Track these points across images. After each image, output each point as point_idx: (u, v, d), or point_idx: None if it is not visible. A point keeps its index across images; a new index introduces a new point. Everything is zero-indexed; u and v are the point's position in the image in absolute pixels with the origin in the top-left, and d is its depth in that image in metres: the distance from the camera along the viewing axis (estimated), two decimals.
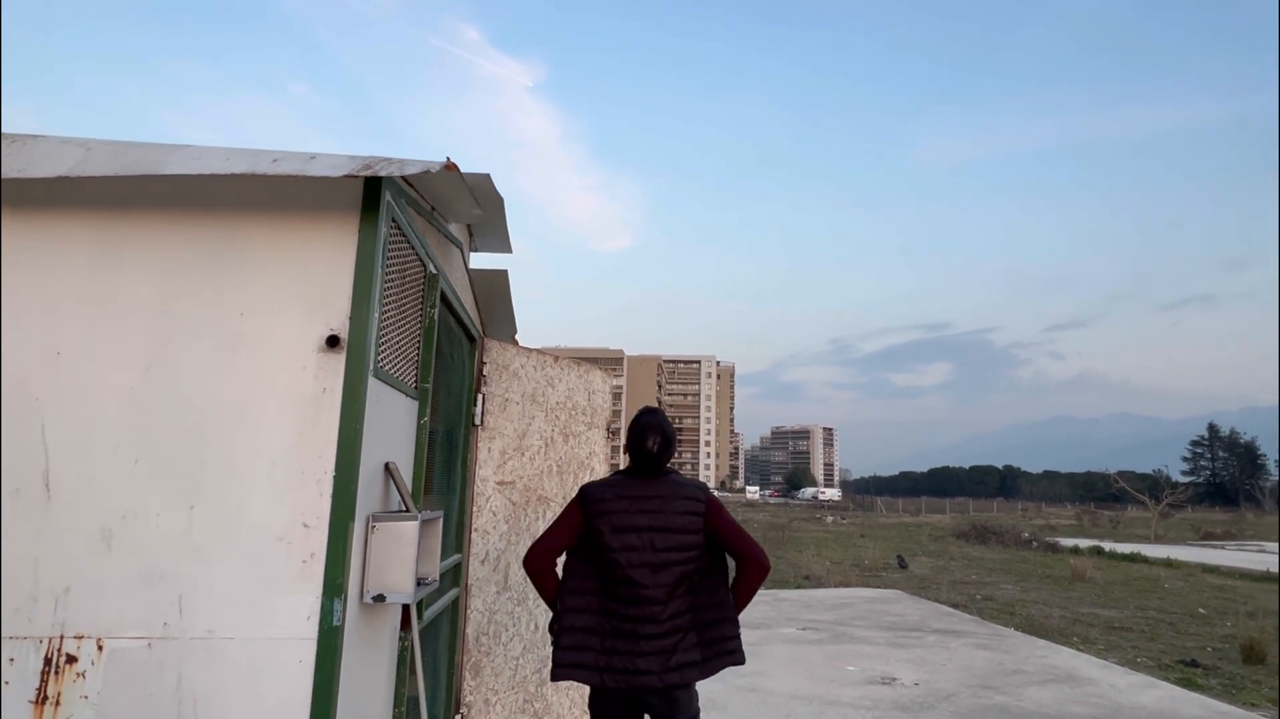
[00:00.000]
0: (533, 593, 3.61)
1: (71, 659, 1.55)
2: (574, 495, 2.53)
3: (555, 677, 2.37)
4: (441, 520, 2.12)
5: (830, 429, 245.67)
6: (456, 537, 3.27)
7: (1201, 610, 11.34)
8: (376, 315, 1.80)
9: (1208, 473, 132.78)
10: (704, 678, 2.46)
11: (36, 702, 1.53)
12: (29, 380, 1.65)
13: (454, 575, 3.21)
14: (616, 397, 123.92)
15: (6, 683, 1.53)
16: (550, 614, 2.48)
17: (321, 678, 1.58)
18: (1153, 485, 39.42)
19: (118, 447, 1.64)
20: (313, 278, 1.75)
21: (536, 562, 2.42)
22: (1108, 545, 22.33)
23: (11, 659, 1.54)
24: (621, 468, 2.63)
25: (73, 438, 1.64)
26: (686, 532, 2.45)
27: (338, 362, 1.71)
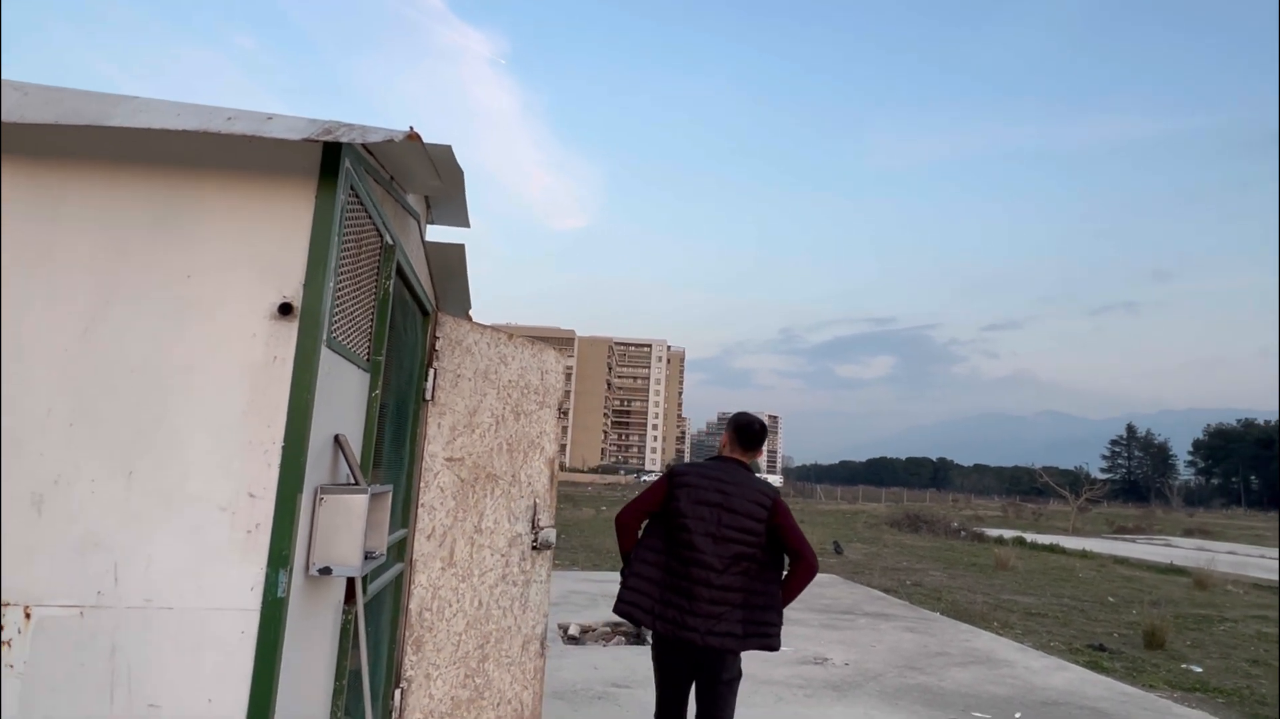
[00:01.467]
0: (478, 570, 3.60)
1: None
2: (662, 474, 3.13)
3: (616, 610, 2.95)
4: (390, 495, 2.10)
5: (775, 416, 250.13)
6: (403, 512, 3.24)
7: (1110, 599, 12.07)
8: (332, 284, 1.76)
9: (1124, 470, 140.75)
10: (739, 650, 2.84)
11: None
12: None
13: (399, 550, 3.19)
14: (567, 377, 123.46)
15: None
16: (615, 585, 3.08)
17: (264, 649, 1.56)
18: (1074, 481, 41.55)
19: (51, 409, 1.57)
20: (266, 243, 1.70)
21: (625, 518, 3.01)
22: (1030, 537, 23.49)
23: None
24: (729, 454, 3.15)
25: (6, 397, 1.56)
26: (751, 518, 2.83)
27: (290, 330, 1.67)
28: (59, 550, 1.53)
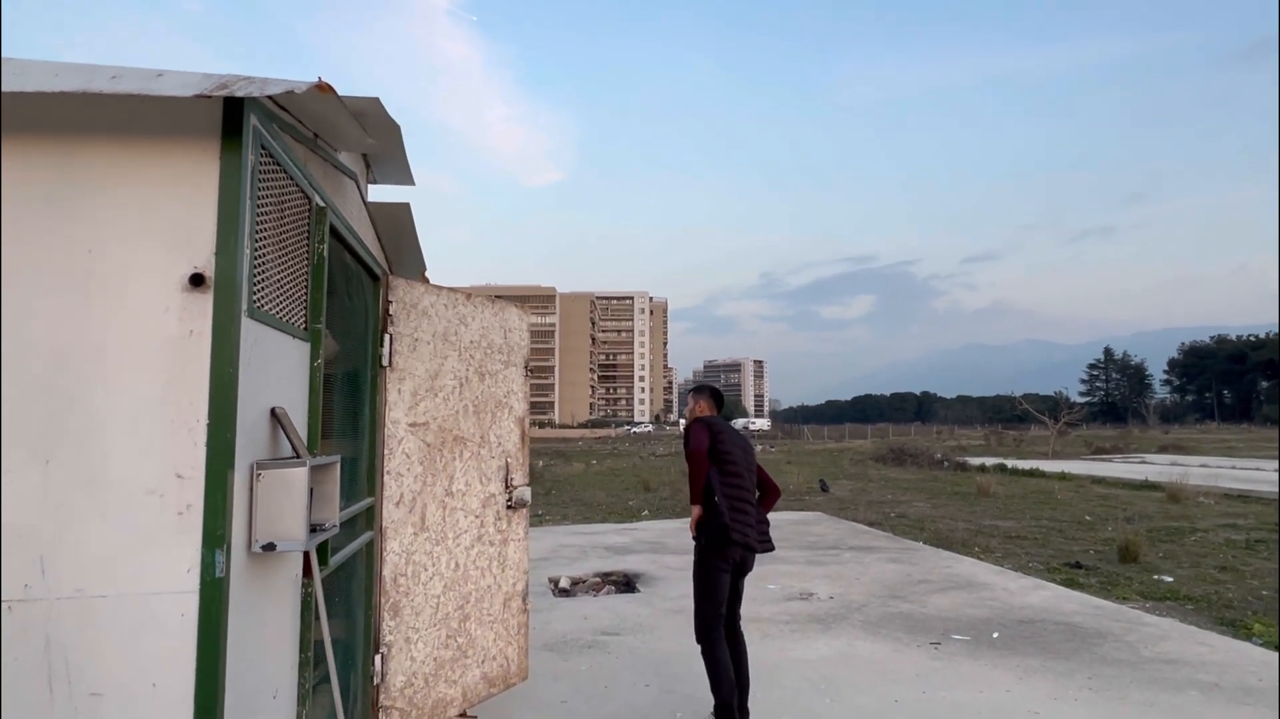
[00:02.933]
0: (452, 533, 3.59)
1: None
2: (691, 426, 3.91)
3: (731, 538, 3.69)
4: (338, 465, 2.05)
5: (760, 361, 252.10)
6: (368, 480, 3.20)
7: (1088, 518, 12.43)
8: (248, 251, 1.67)
9: (1102, 393, 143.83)
10: (763, 552, 3.88)
11: None
12: None
13: (367, 518, 3.16)
14: (549, 334, 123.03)
15: None
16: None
17: (206, 629, 1.53)
18: (1053, 406, 42.40)
19: None
20: (170, 211, 1.60)
21: (706, 457, 3.76)
22: (1011, 463, 24.06)
23: None
24: (708, 414, 4.10)
25: None
26: (749, 455, 3.95)
27: (204, 302, 1.59)
28: None
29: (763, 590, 7.22)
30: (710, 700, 4.38)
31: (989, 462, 24.35)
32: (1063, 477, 19.82)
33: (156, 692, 1.50)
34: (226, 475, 1.57)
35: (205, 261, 1.60)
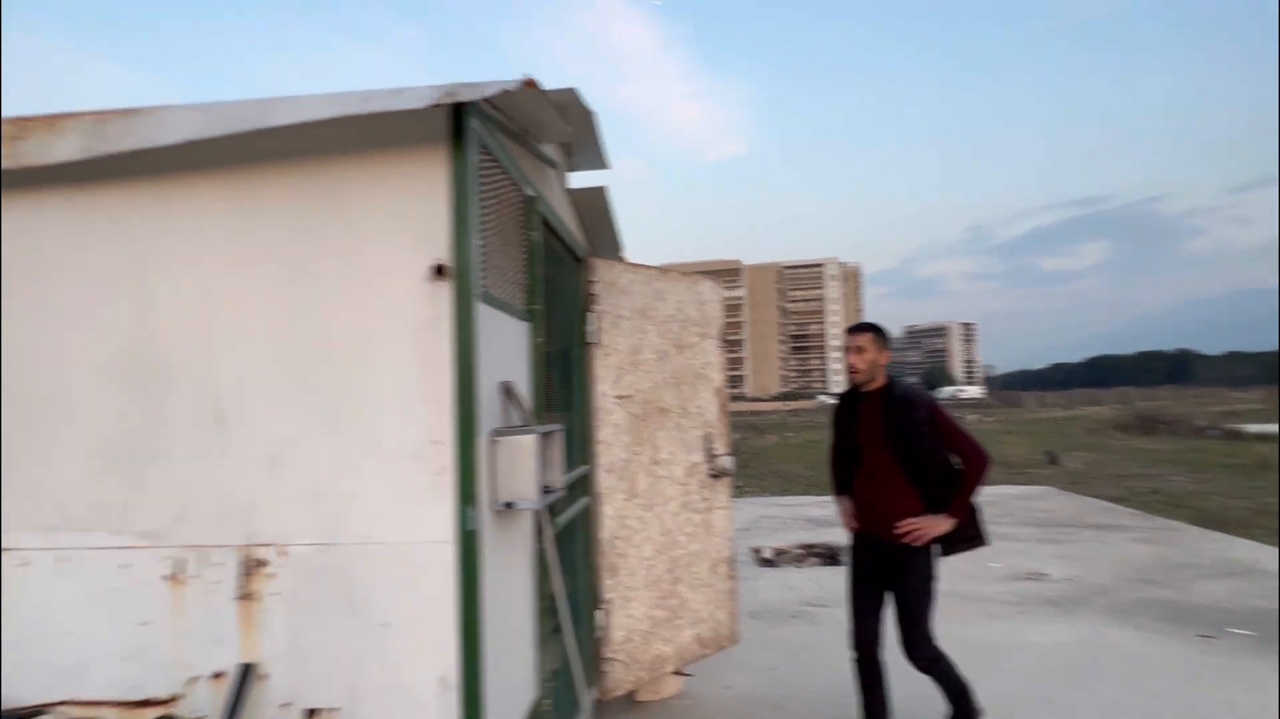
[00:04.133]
0: (659, 499, 3.76)
1: (261, 563, 1.81)
2: (924, 397, 3.17)
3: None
4: (561, 433, 2.23)
5: (969, 324, 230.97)
6: (583, 449, 3.44)
7: None
8: (476, 242, 1.86)
9: None
10: None
11: (240, 597, 1.81)
12: (192, 329, 1.87)
13: (584, 485, 3.40)
14: (737, 307, 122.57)
15: (216, 583, 1.82)
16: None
17: (465, 575, 1.75)
18: None
19: (271, 382, 1.84)
20: (415, 211, 1.83)
21: None
22: None
23: (217, 563, 1.82)
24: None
25: (234, 376, 1.85)
26: None
27: (445, 290, 1.80)
28: (296, 499, 1.81)
29: (983, 569, 6.70)
30: (929, 682, 4.17)
31: (1273, 429, 20.29)
32: None
33: (430, 625, 1.76)
34: (473, 442, 1.78)
35: (444, 253, 1.81)
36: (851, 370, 3.12)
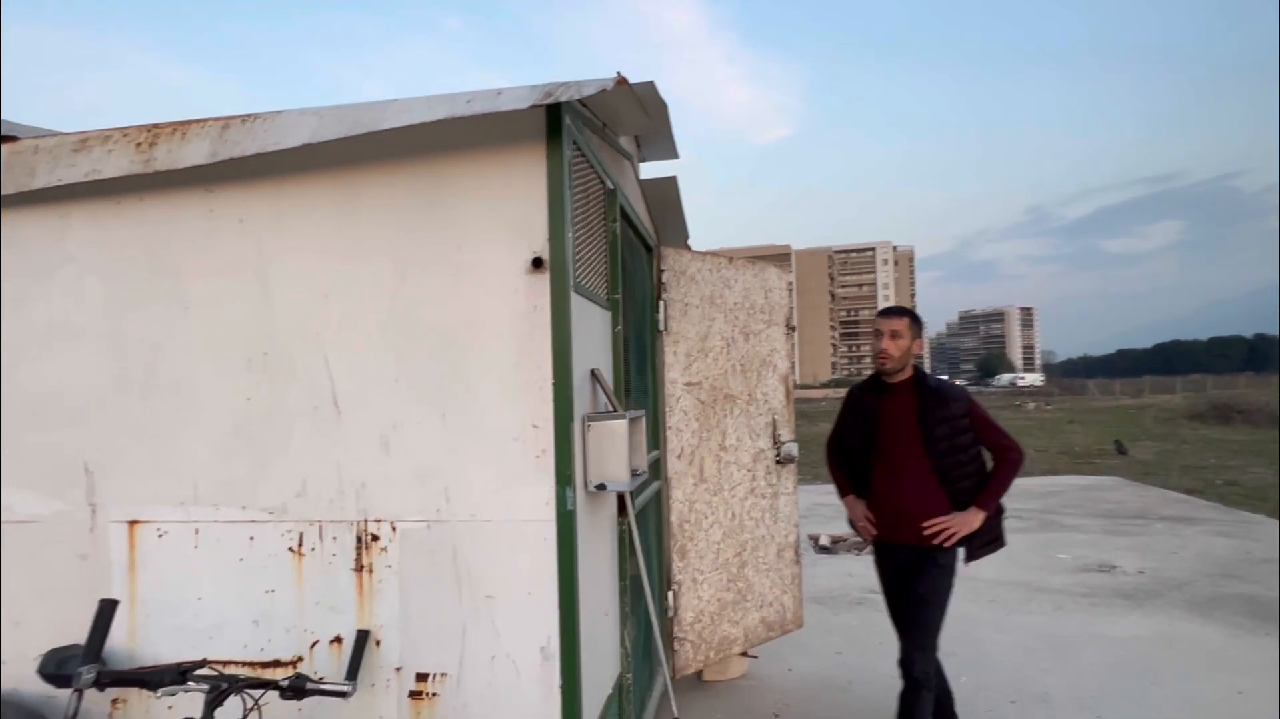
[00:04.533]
0: (727, 484, 3.82)
1: (375, 538, 1.95)
2: (956, 390, 3.01)
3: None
4: (643, 419, 2.31)
5: (1029, 309, 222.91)
6: (653, 434, 3.52)
7: None
8: (570, 235, 1.94)
9: None
10: None
11: (356, 569, 1.95)
12: (309, 320, 2.01)
13: (655, 470, 3.49)
14: (789, 293, 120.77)
15: (333, 555, 1.97)
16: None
17: (564, 552, 1.85)
18: None
19: (381, 369, 1.97)
20: (513, 206, 1.92)
21: None
22: None
23: (334, 538, 1.97)
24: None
25: (348, 364, 1.98)
26: None
27: (543, 281, 1.89)
28: (405, 478, 1.94)
29: (1051, 559, 6.57)
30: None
31: None
32: None
33: (531, 598, 1.87)
34: (570, 426, 1.87)
35: (541, 247, 1.90)
36: (881, 357, 2.87)
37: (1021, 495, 10.20)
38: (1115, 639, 4.56)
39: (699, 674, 3.94)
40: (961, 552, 2.90)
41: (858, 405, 3.06)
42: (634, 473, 2.18)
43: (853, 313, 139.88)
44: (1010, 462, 2.83)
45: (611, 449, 2.01)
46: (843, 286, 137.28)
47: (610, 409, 2.19)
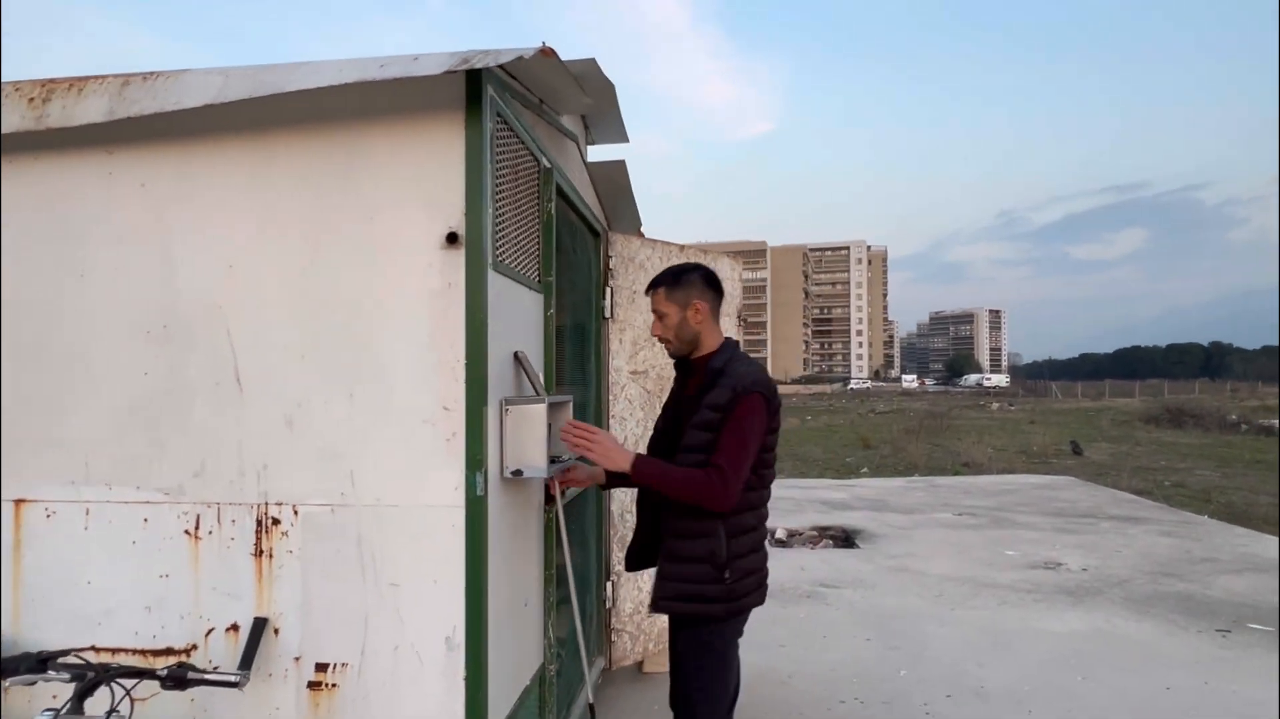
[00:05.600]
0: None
1: (276, 521, 1.86)
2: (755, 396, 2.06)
3: (737, 611, 2.12)
4: (570, 405, 2.24)
5: (997, 311, 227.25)
6: (596, 422, 3.46)
7: None
8: (490, 210, 1.86)
9: None
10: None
11: (255, 554, 1.86)
12: (213, 291, 1.91)
13: None
14: (760, 289, 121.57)
15: (232, 539, 1.87)
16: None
17: (472, 538, 1.78)
18: None
19: (288, 345, 1.87)
20: (430, 178, 1.84)
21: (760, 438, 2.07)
22: None
23: (233, 520, 1.87)
24: (731, 337, 2.29)
25: (252, 339, 1.89)
26: None
27: (458, 257, 1.81)
28: (309, 460, 1.85)
29: (999, 556, 6.66)
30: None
31: None
32: None
33: (437, 587, 1.80)
34: (482, 410, 1.80)
35: (457, 221, 1.82)
36: (663, 344, 2.29)
37: (976, 493, 10.37)
38: (1054, 635, 4.63)
39: (639, 665, 3.90)
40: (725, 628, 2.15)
41: (672, 391, 2.41)
42: (556, 459, 2.12)
43: (826, 310, 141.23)
44: (701, 479, 2.01)
45: (529, 434, 1.95)
46: (816, 284, 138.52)
47: (533, 393, 2.12)
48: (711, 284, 2.24)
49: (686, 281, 2.21)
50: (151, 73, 1.88)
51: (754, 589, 2.18)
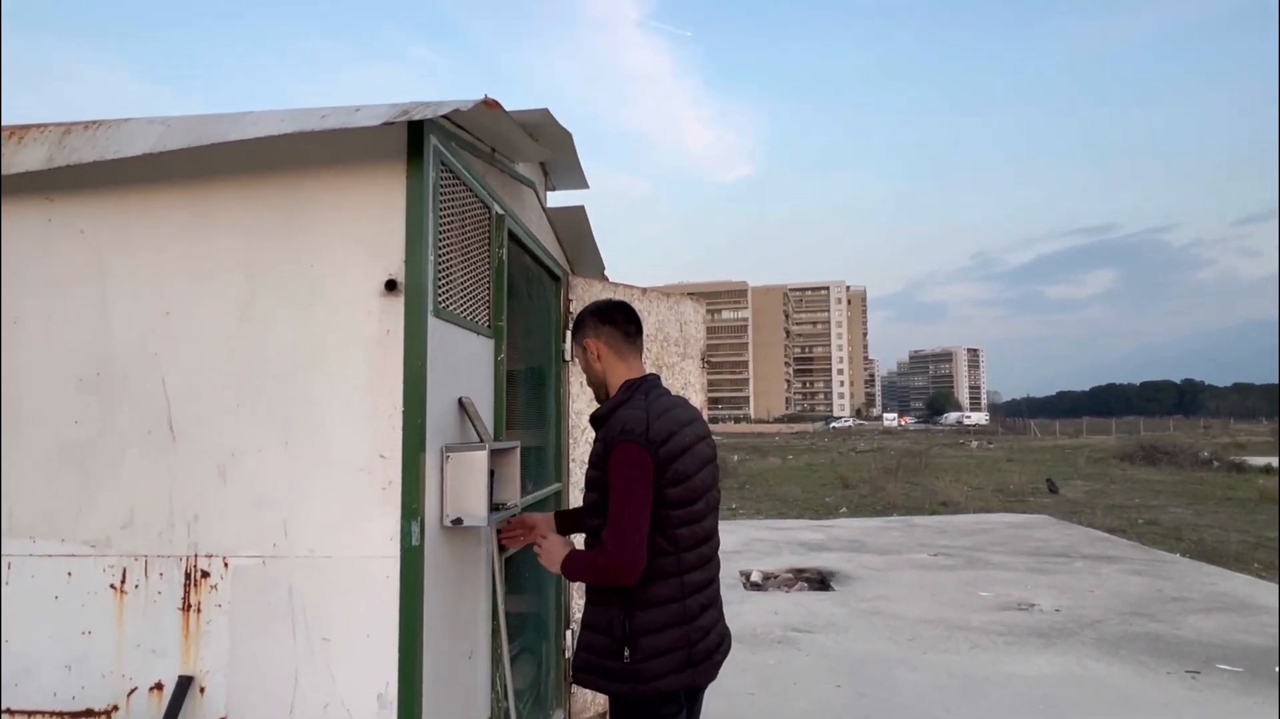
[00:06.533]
0: None
1: (205, 574, 1.81)
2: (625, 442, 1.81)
3: (697, 663, 1.84)
4: (518, 450, 2.22)
5: (975, 350, 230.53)
6: (556, 467, 3.43)
7: None
8: (432, 258, 1.87)
9: None
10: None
11: (182, 608, 1.81)
12: (148, 338, 1.88)
13: (556, 502, 3.38)
14: (741, 329, 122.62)
15: (159, 593, 1.82)
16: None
17: (407, 591, 1.74)
18: None
19: (223, 392, 1.85)
20: (371, 226, 1.85)
21: (647, 485, 1.78)
22: None
23: (160, 574, 1.82)
24: (637, 375, 2.03)
25: (187, 386, 1.86)
26: (714, 469, 2.04)
27: (397, 304, 1.81)
28: (242, 510, 1.81)
29: (972, 598, 6.63)
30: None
31: (1277, 462, 20.10)
32: None
33: (370, 641, 1.75)
34: (419, 457, 1.78)
35: (397, 269, 1.82)
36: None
37: (952, 532, 10.35)
38: (1025, 678, 4.59)
39: (602, 717, 3.79)
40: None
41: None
42: (501, 507, 2.09)
43: (807, 349, 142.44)
44: (597, 562, 1.85)
45: (471, 482, 1.92)
46: (797, 324, 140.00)
47: (479, 440, 2.10)
48: (607, 319, 2.02)
49: (579, 323, 2.08)
50: (94, 121, 1.89)
51: (674, 670, 1.81)
